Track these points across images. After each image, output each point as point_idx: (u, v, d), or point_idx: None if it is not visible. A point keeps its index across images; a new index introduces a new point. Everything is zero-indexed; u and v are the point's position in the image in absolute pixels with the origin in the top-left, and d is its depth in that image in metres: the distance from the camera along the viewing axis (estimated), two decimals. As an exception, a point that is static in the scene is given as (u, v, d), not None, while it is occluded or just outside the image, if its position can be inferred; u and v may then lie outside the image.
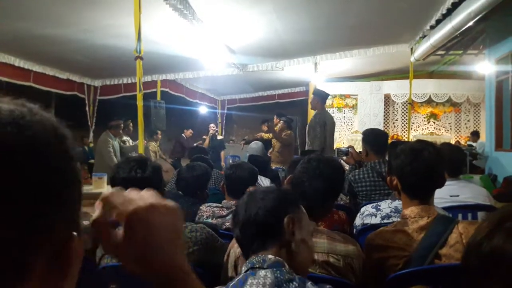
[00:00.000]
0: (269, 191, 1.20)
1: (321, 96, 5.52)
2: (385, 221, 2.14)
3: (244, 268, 1.05)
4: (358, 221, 2.33)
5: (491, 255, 0.76)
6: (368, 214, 2.25)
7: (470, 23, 5.55)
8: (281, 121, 7.38)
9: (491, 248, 0.76)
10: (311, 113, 6.35)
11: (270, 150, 7.05)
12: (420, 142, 1.69)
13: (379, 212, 2.22)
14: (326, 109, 5.76)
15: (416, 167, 1.54)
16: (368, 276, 1.57)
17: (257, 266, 1.03)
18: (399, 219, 2.07)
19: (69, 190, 0.44)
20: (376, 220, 2.20)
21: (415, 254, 1.48)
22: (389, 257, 1.54)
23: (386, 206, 2.22)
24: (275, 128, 7.44)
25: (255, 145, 5.49)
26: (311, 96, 5.58)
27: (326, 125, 5.27)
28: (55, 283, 0.43)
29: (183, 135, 9.41)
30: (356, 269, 1.48)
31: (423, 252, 1.46)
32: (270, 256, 1.05)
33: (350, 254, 1.47)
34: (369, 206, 2.29)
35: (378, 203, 2.27)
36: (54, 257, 0.42)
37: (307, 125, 5.42)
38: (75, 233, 0.44)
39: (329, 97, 10.94)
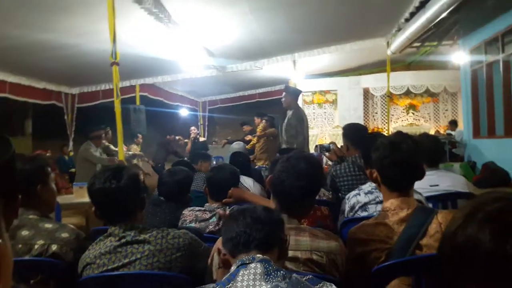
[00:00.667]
0: (263, 214, 1.26)
1: (294, 93, 5.48)
2: (369, 196, 2.27)
3: (234, 266, 1.11)
4: (345, 207, 2.38)
5: (465, 245, 0.76)
6: (353, 196, 2.36)
7: (444, 15, 5.65)
8: (263, 121, 7.41)
9: (465, 238, 0.77)
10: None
11: (253, 156, 7.06)
12: (398, 134, 1.70)
13: (361, 190, 2.35)
14: (301, 105, 5.73)
15: (395, 160, 1.55)
16: (351, 270, 1.59)
17: (247, 262, 1.09)
18: (379, 194, 2.19)
19: None
20: (361, 198, 2.30)
21: (397, 246, 1.50)
22: (371, 251, 1.55)
23: (367, 186, 2.37)
24: (258, 129, 7.46)
25: (237, 145, 5.49)
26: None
27: (304, 122, 5.26)
28: None
29: (167, 138, 9.38)
30: (339, 265, 1.50)
31: (404, 244, 1.49)
32: (258, 255, 1.12)
33: (333, 250, 1.48)
34: (352, 192, 2.42)
35: (360, 187, 2.43)
36: None
37: (284, 124, 5.29)
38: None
39: (310, 93, 11.13)
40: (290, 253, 1.43)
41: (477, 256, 0.74)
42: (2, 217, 0.47)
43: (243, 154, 4.02)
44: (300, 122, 5.17)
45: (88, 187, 1.63)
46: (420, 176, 1.64)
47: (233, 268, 1.11)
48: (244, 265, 1.08)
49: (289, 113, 5.29)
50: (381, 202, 2.23)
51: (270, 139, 7.20)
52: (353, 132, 3.30)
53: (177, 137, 9.33)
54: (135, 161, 7.53)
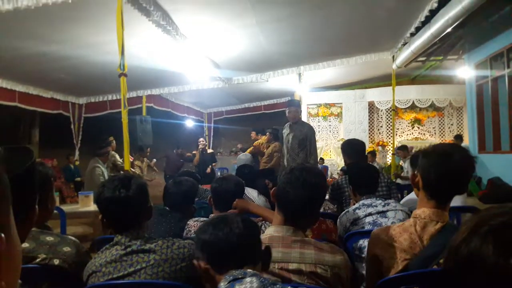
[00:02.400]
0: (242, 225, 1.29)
1: (298, 105, 5.52)
2: (357, 211, 2.33)
3: (224, 282, 1.08)
4: (340, 227, 2.39)
5: (469, 258, 0.77)
6: (343, 215, 2.39)
7: (449, 30, 5.70)
8: (267, 133, 7.49)
9: (468, 251, 0.77)
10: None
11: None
12: (452, 145, 1.67)
13: (350, 208, 2.41)
14: (306, 118, 5.70)
15: (444, 169, 1.51)
16: (369, 270, 1.60)
17: (240, 277, 1.06)
18: (367, 209, 2.28)
19: None
20: (350, 215, 2.34)
21: (415, 261, 1.48)
22: (389, 257, 1.54)
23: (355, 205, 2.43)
24: (259, 141, 7.53)
25: (244, 157, 5.54)
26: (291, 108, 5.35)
27: (314, 136, 5.25)
28: None
29: (174, 151, 9.47)
30: (343, 278, 1.49)
31: (424, 262, 1.45)
32: (249, 270, 1.10)
33: (337, 264, 1.48)
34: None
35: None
36: None
37: (299, 138, 5.15)
38: (3, 235, 0.45)
39: (315, 106, 11.17)
40: (295, 266, 1.45)
41: (480, 269, 0.74)
42: (20, 224, 0.48)
43: (249, 166, 4.04)
44: (313, 136, 5.17)
45: (96, 195, 1.65)
46: (463, 190, 1.60)
47: (223, 284, 1.07)
48: (238, 280, 1.06)
49: (301, 127, 5.22)
50: (370, 214, 2.27)
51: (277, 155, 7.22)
52: (350, 147, 3.53)
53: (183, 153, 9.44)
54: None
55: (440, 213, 1.53)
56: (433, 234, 1.50)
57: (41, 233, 1.71)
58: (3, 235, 0.45)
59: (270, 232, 1.57)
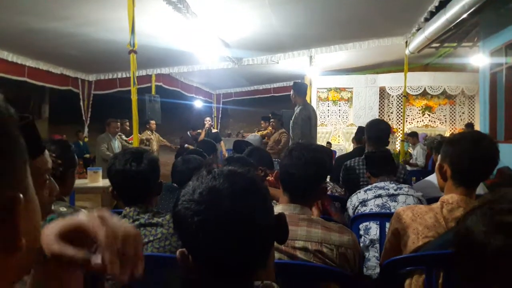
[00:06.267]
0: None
1: (299, 90, 5.32)
2: (368, 193, 2.36)
3: None
4: (350, 205, 2.45)
5: (463, 234, 0.83)
6: (354, 195, 2.44)
7: (464, 15, 5.58)
8: (272, 120, 7.28)
9: (465, 227, 0.83)
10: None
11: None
12: (478, 132, 1.72)
13: (361, 189, 2.45)
14: (315, 102, 5.63)
15: (476, 155, 1.53)
16: (386, 245, 1.64)
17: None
18: (377, 191, 2.32)
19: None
20: (361, 195, 2.39)
21: (437, 241, 1.48)
22: (411, 231, 1.54)
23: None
24: (268, 129, 7.40)
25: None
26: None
27: (311, 119, 5.15)
28: None
29: (188, 133, 9.47)
30: (350, 259, 1.49)
31: (445, 244, 1.44)
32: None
33: (344, 244, 1.48)
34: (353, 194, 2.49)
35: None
36: None
37: (291, 121, 5.18)
38: (21, 195, 0.46)
39: (325, 90, 11.07)
40: (301, 244, 1.46)
41: (471, 246, 0.79)
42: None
43: (246, 142, 4.05)
44: (306, 121, 5.07)
45: (108, 167, 1.66)
46: (489, 175, 1.63)
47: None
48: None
49: (297, 109, 5.18)
50: (379, 196, 2.27)
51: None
52: (369, 127, 3.32)
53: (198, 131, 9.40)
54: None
55: (468, 200, 1.54)
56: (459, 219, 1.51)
57: (56, 203, 1.76)
58: (21, 195, 0.46)
59: (277, 210, 1.55)
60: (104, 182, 4.44)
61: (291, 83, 5.11)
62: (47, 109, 12.91)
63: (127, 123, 7.03)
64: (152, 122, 7.76)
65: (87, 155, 8.82)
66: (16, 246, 0.46)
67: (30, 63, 6.88)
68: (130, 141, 6.61)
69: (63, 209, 1.76)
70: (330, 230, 1.50)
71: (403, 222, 1.58)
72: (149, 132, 7.70)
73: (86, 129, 9.11)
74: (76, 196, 4.04)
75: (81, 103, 8.73)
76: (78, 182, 4.66)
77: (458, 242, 0.84)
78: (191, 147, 8.79)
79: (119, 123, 6.39)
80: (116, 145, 6.22)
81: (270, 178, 2.94)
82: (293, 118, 5.18)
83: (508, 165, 5.99)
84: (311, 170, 1.56)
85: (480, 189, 2.78)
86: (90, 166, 5.69)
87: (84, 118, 8.89)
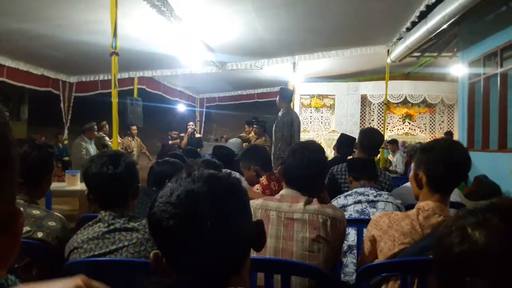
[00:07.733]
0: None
1: (283, 95, 5.41)
2: (348, 198, 2.39)
3: None
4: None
5: (437, 244, 0.83)
6: (333, 200, 2.46)
7: (444, 26, 5.69)
8: (255, 126, 7.22)
9: (441, 241, 0.81)
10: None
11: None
12: (449, 138, 1.83)
13: (342, 194, 2.49)
14: (298, 108, 5.68)
15: (451, 160, 1.56)
16: (363, 251, 1.68)
17: None
18: (357, 197, 2.36)
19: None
20: (340, 200, 2.41)
21: (413, 248, 1.50)
22: (388, 238, 1.56)
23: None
24: (251, 135, 7.40)
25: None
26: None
27: (293, 125, 5.21)
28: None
29: (168, 136, 9.32)
30: (341, 232, 1.72)
31: (421, 250, 1.47)
32: None
33: (337, 217, 1.69)
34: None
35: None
36: None
37: (274, 125, 5.26)
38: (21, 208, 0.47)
39: (308, 97, 11.14)
40: (299, 215, 1.68)
41: (446, 259, 0.78)
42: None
43: (226, 148, 4.02)
44: (289, 126, 5.13)
45: (84, 170, 1.63)
46: (464, 180, 1.70)
47: None
48: None
49: (280, 114, 5.28)
50: (359, 202, 2.29)
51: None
52: (364, 136, 3.32)
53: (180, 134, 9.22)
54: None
55: (443, 207, 1.58)
56: (434, 226, 1.53)
57: (28, 207, 1.72)
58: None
59: (282, 192, 1.80)
60: (82, 186, 4.37)
61: (275, 89, 5.17)
62: (27, 110, 12.67)
63: (105, 124, 6.87)
64: (134, 127, 7.66)
65: (66, 158, 8.68)
66: (14, 260, 0.45)
67: (9, 63, 6.75)
68: None
69: (36, 212, 1.72)
70: (325, 206, 1.72)
71: (380, 228, 1.60)
72: (130, 138, 7.60)
73: (66, 132, 8.95)
74: (54, 199, 3.96)
75: (62, 105, 8.57)
76: (56, 185, 4.57)
77: (435, 252, 0.83)
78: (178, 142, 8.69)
79: (95, 126, 6.27)
80: (92, 149, 6.10)
81: (262, 180, 2.94)
82: (275, 122, 5.26)
83: (484, 173, 6.12)
84: (311, 169, 1.76)
85: (456, 197, 2.83)
86: (69, 169, 5.60)
87: (64, 120, 8.73)
